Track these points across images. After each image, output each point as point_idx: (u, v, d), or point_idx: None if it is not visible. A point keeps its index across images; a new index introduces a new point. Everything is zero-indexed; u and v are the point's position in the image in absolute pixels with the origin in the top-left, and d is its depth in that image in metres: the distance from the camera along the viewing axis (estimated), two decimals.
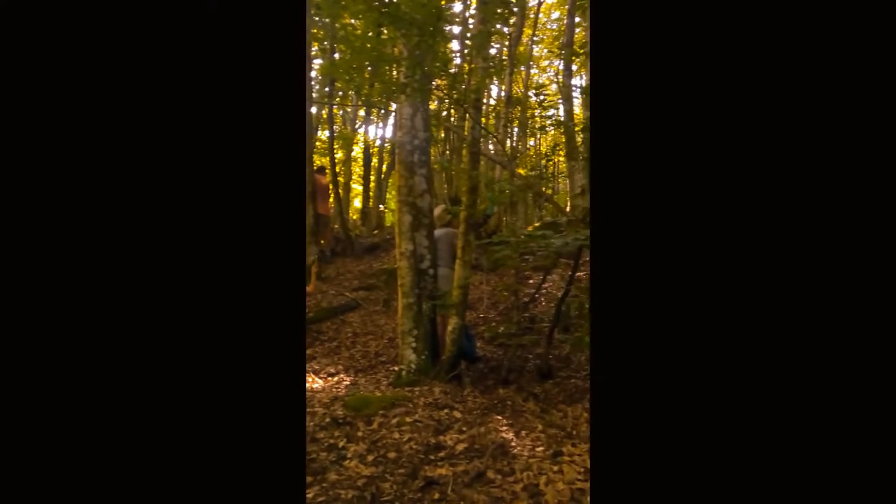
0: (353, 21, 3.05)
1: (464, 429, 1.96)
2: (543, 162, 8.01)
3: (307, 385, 2.79)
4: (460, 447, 1.79)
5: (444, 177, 7.39)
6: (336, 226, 6.60)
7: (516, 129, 7.78)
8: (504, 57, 5.85)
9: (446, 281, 2.94)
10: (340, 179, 7.73)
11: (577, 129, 2.75)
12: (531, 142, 9.20)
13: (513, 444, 1.82)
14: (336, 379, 2.99)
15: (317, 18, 4.75)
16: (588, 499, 1.43)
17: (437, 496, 1.49)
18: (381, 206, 8.88)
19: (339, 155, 8.28)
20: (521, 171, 6.56)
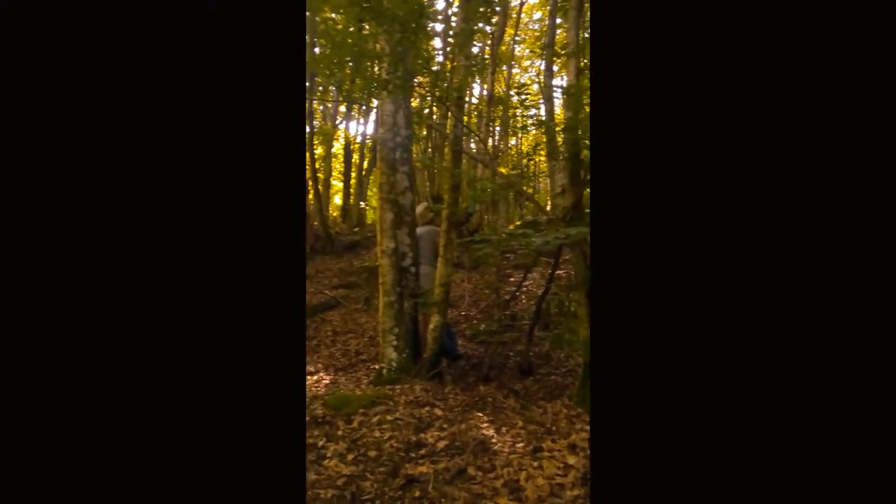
0: (333, 15, 3.01)
1: (445, 426, 1.96)
2: (525, 161, 8.09)
3: None
4: (441, 444, 1.79)
5: (427, 175, 7.38)
6: (316, 223, 6.51)
7: (498, 129, 7.83)
8: (486, 56, 5.86)
9: (428, 279, 2.94)
10: (320, 176, 7.62)
11: (557, 129, 2.78)
12: (513, 141, 9.26)
13: (493, 440, 1.83)
14: (315, 378, 2.96)
15: None
16: (567, 493, 1.45)
17: (417, 494, 1.49)
18: (361, 203, 8.80)
19: (319, 151, 8.16)
20: (503, 170, 6.60)
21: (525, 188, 6.85)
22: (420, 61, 2.50)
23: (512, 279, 4.34)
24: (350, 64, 2.65)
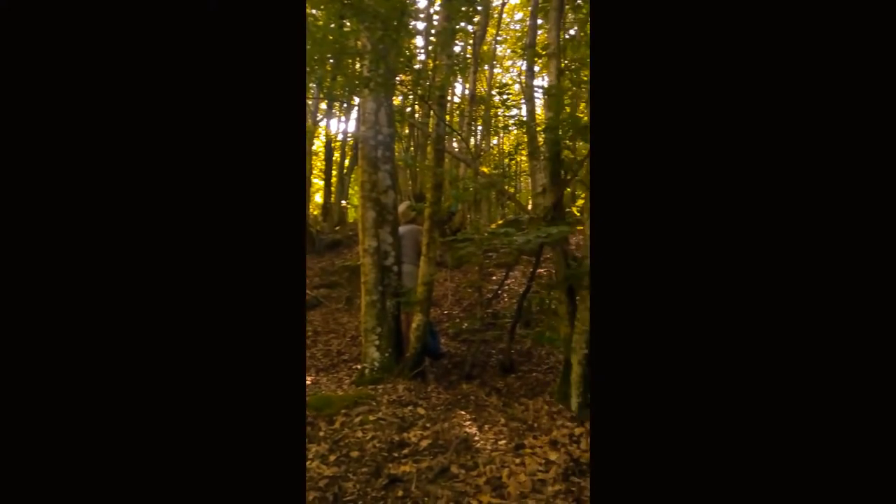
0: (314, 11, 2.97)
1: (427, 425, 1.96)
2: (506, 161, 8.13)
3: None
4: (424, 443, 1.79)
5: (409, 173, 7.35)
6: None
7: (480, 128, 7.85)
8: (468, 55, 5.88)
9: (411, 278, 2.93)
10: None
11: (538, 129, 2.81)
12: (494, 140, 9.31)
13: (476, 438, 1.84)
14: None
15: None
16: (549, 489, 1.47)
17: (400, 493, 1.49)
18: (343, 201, 8.71)
19: None
20: (485, 170, 6.63)
21: (507, 187, 6.90)
22: (402, 59, 2.49)
23: (494, 278, 4.36)
24: (331, 61, 2.62)
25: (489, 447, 1.76)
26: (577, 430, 1.80)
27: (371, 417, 2.01)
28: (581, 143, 2.30)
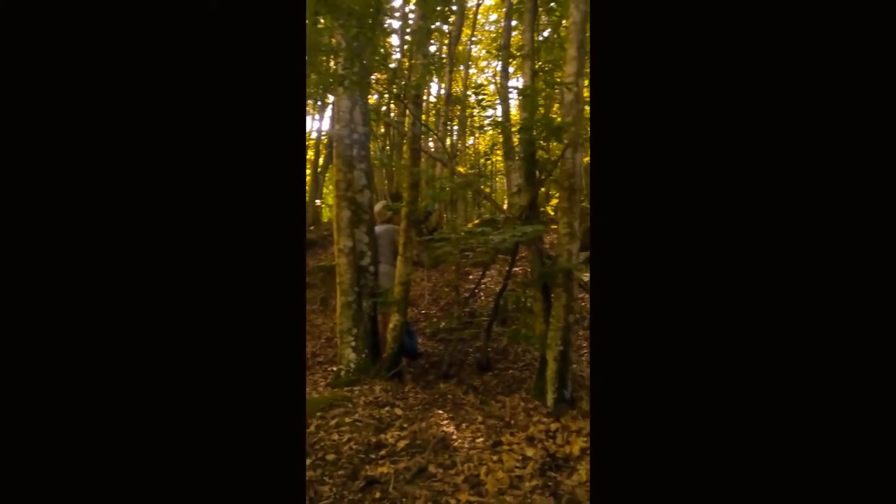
0: None
1: (405, 425, 1.95)
2: (482, 160, 8.18)
3: None
4: (402, 444, 1.78)
5: (385, 173, 7.29)
6: None
7: (456, 128, 7.87)
8: (444, 55, 5.87)
9: (387, 278, 2.91)
10: None
11: (513, 129, 2.84)
12: (470, 140, 9.35)
13: (454, 437, 1.85)
14: None
15: None
16: (526, 484, 1.49)
17: (378, 495, 1.48)
18: (317, 201, 8.56)
19: None
20: (461, 169, 6.65)
21: (483, 187, 6.94)
22: (377, 58, 2.47)
23: (471, 277, 4.38)
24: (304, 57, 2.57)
25: (467, 445, 1.77)
26: (553, 426, 1.83)
27: (347, 419, 1.98)
28: (555, 144, 2.33)
